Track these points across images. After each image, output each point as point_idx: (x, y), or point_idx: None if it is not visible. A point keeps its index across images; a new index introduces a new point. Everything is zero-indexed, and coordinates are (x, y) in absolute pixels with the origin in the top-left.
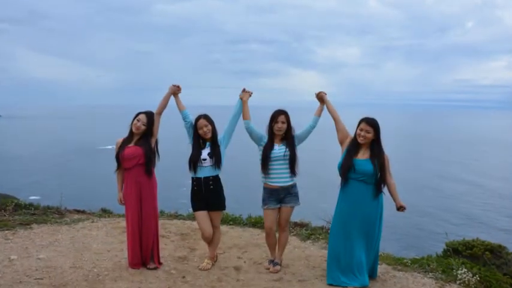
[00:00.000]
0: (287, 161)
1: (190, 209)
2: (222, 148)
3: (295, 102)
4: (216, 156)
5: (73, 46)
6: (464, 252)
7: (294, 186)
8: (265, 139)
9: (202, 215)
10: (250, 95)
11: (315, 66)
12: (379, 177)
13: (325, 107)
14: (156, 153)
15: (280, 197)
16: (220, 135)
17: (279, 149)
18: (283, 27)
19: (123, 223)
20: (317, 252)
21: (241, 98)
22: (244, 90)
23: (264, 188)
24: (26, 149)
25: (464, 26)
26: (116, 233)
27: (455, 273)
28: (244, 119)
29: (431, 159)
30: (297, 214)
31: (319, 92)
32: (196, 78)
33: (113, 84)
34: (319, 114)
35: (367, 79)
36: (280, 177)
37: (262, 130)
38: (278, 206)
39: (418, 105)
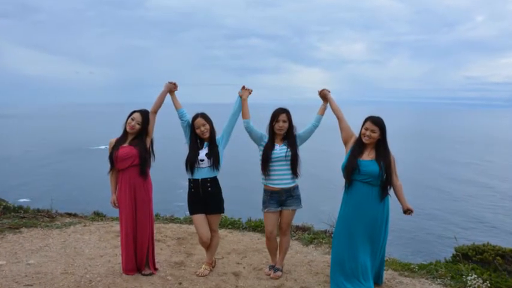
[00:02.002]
0: (288, 162)
1: (187, 212)
2: (220, 148)
3: (297, 100)
4: (214, 157)
5: (65, 42)
6: (474, 257)
7: (295, 188)
8: (266, 139)
9: (199, 218)
10: (250, 93)
11: (318, 63)
12: (385, 179)
13: (328, 105)
14: (152, 154)
15: (281, 199)
16: (218, 135)
17: (280, 149)
18: (284, 22)
19: (116, 227)
20: (320, 257)
21: (240, 96)
22: (243, 88)
23: (265, 190)
24: (15, 149)
25: (474, 20)
26: (109, 237)
27: (464, 280)
28: (243, 117)
29: (439, 159)
30: (299, 217)
31: (323, 90)
32: (193, 75)
33: (106, 82)
34: (322, 112)
35: (372, 76)
36: (281, 179)
37: (262, 129)
38: (279, 209)
39: (425, 103)
